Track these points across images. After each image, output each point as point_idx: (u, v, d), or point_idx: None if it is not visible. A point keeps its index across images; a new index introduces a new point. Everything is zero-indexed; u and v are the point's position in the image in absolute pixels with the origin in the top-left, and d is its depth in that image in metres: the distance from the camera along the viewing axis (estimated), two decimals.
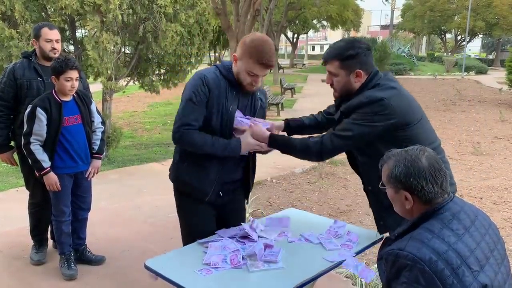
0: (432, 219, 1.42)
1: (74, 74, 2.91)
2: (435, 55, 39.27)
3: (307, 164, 6.47)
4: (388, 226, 2.07)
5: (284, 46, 61.39)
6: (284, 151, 2.19)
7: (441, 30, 44.70)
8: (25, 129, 2.92)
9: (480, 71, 30.19)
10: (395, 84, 2.05)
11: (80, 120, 3.06)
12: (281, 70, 30.15)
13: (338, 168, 6.37)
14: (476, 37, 44.74)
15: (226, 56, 39.47)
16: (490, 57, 50.13)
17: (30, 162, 2.98)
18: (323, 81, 24.73)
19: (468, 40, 38.01)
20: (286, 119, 2.53)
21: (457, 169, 6.44)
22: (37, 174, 2.98)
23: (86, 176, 3.21)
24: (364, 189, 2.24)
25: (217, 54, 36.84)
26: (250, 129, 2.20)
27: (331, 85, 2.14)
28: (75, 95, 3.07)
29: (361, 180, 2.26)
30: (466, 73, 28.44)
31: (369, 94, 1.98)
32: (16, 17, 5.44)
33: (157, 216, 4.37)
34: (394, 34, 48.01)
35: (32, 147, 2.91)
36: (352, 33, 48.76)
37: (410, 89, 20.07)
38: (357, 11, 32.44)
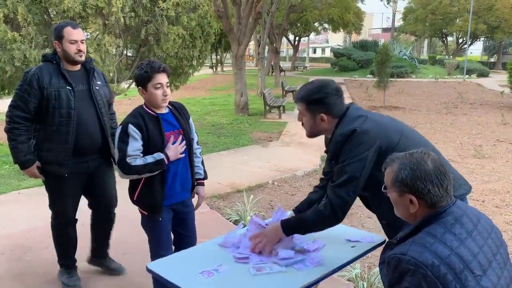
0: (434, 223, 1.42)
1: (163, 78, 2.38)
2: (437, 58, 39.24)
3: (308, 166, 6.47)
4: None
5: (285, 48, 61.44)
6: (303, 231, 2.09)
7: (442, 33, 44.72)
8: (118, 157, 2.36)
9: (482, 74, 30.17)
10: (362, 112, 2.07)
11: (182, 137, 2.48)
12: (282, 73, 30.17)
13: None
14: (478, 40, 44.73)
15: (228, 59, 39.56)
16: (492, 60, 50.12)
17: (147, 172, 2.35)
18: None
19: (469, 43, 38.01)
20: (293, 209, 2.45)
21: (459, 172, 6.42)
22: (165, 162, 2.35)
23: (194, 207, 2.65)
24: (381, 224, 2.18)
25: (218, 57, 36.97)
26: (262, 232, 2.13)
27: (302, 124, 2.16)
28: (170, 106, 2.51)
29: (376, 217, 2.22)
30: (467, 76, 28.42)
31: (340, 132, 1.99)
32: (19, 20, 5.47)
33: None
34: (396, 36, 48.05)
35: (135, 162, 2.32)
36: (354, 36, 48.84)
37: (412, 92, 20.10)
38: (359, 14, 32.45)
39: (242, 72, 12.49)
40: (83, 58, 2.80)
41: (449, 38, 48.26)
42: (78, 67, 2.87)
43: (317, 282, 1.92)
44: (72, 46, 2.73)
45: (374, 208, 2.18)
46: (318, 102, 2.03)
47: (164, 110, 2.45)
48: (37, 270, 3.34)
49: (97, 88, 2.91)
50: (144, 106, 2.43)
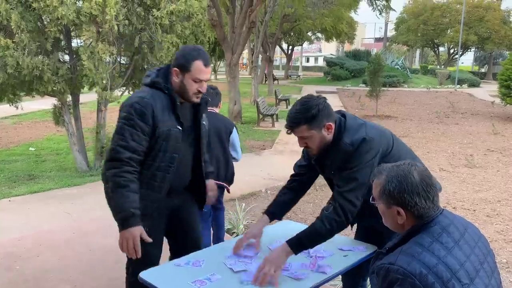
0: (422, 232, 1.43)
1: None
2: (429, 68, 39.63)
3: None
4: None
5: (279, 57, 61.76)
6: (314, 243, 2.06)
7: (434, 44, 45.24)
8: None
9: (473, 84, 30.50)
10: (359, 120, 2.15)
11: None
12: (276, 81, 30.30)
13: None
14: (469, 50, 45.29)
15: (222, 67, 39.63)
16: (483, 70, 50.71)
17: None
18: (317, 92, 24.87)
19: (461, 53, 38.45)
20: (264, 212, 2.40)
21: (451, 181, 6.48)
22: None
23: None
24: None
25: (212, 65, 37.04)
26: (266, 259, 1.97)
27: (306, 147, 2.16)
28: None
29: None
30: (459, 86, 28.72)
31: (350, 141, 2.04)
32: (12, 27, 5.45)
33: None
34: (388, 46, 48.48)
35: None
36: (346, 45, 49.20)
37: (404, 101, 20.23)
38: (351, 24, 32.80)
39: (235, 80, 12.54)
40: (199, 100, 2.29)
41: (441, 49, 48.83)
42: None
43: None
44: (195, 85, 2.20)
45: (367, 212, 2.14)
46: (317, 115, 2.04)
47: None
48: (27, 278, 3.31)
49: (204, 123, 2.42)
50: None
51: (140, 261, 2.12)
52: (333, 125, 2.08)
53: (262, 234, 2.30)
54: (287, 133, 2.13)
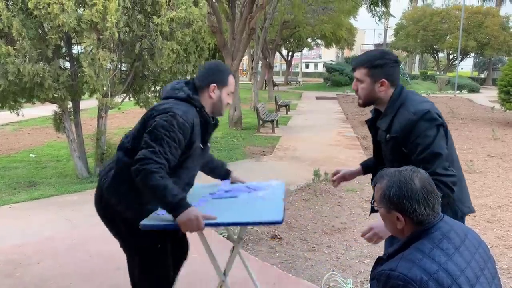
0: (423, 238, 1.43)
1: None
2: (428, 74, 39.73)
3: (301, 181, 6.49)
4: None
5: (279, 63, 61.93)
6: None
7: (433, 49, 45.38)
8: None
9: (473, 90, 30.57)
10: (426, 98, 2.17)
11: None
12: (275, 87, 30.36)
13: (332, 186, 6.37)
14: (468, 56, 45.42)
15: None
16: (482, 75, 50.82)
17: None
18: (317, 98, 24.91)
19: (460, 59, 38.56)
20: (360, 164, 2.60)
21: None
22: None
23: None
24: None
25: None
26: (371, 227, 2.08)
27: (356, 92, 2.22)
28: None
29: None
30: (458, 91, 28.78)
31: (414, 110, 2.02)
32: (13, 34, 5.48)
33: None
34: None
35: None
36: (346, 51, 49.34)
37: None
38: (351, 30, 32.89)
39: (235, 86, 12.57)
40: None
41: (440, 54, 48.99)
42: None
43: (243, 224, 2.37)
44: (228, 98, 2.31)
45: None
46: (380, 66, 2.10)
47: None
48: (27, 285, 3.30)
49: (209, 145, 2.43)
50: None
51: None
52: (387, 84, 2.11)
53: (350, 178, 2.58)
54: (351, 71, 2.26)
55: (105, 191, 2.22)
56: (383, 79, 2.10)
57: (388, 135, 2.12)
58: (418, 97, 2.14)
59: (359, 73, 2.15)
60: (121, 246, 2.41)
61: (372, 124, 2.30)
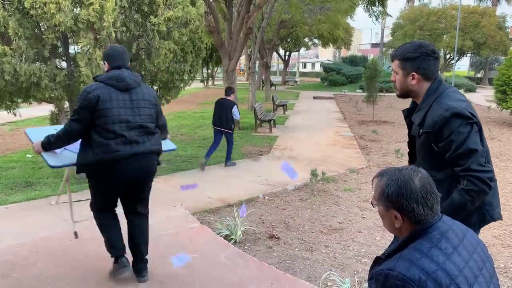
0: (421, 238, 1.43)
1: None
2: None
3: (299, 181, 6.49)
4: None
5: (276, 63, 61.92)
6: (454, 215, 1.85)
7: None
8: None
9: (469, 89, 30.67)
10: (463, 97, 2.11)
11: None
12: (273, 87, 30.37)
13: (330, 185, 6.38)
14: (465, 56, 45.53)
15: (219, 73, 39.74)
16: (479, 75, 50.98)
17: None
18: (314, 98, 24.93)
19: (457, 58, 38.66)
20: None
21: None
22: None
23: None
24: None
25: (209, 71, 37.13)
26: None
27: (394, 83, 2.24)
28: None
29: None
30: None
31: (446, 105, 2.00)
32: (10, 34, 5.46)
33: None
34: (385, 52, 48.70)
35: None
36: (343, 51, 49.41)
37: (401, 107, 20.39)
38: (348, 29, 32.98)
39: (233, 86, 12.55)
40: None
41: None
42: None
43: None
44: None
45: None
46: (411, 59, 2.09)
47: None
48: (24, 286, 3.29)
49: None
50: None
51: None
52: (419, 78, 2.11)
53: None
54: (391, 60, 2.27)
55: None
56: (413, 72, 2.11)
57: (421, 129, 2.11)
58: (455, 94, 2.10)
59: (394, 65, 2.19)
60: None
61: (407, 115, 2.30)
